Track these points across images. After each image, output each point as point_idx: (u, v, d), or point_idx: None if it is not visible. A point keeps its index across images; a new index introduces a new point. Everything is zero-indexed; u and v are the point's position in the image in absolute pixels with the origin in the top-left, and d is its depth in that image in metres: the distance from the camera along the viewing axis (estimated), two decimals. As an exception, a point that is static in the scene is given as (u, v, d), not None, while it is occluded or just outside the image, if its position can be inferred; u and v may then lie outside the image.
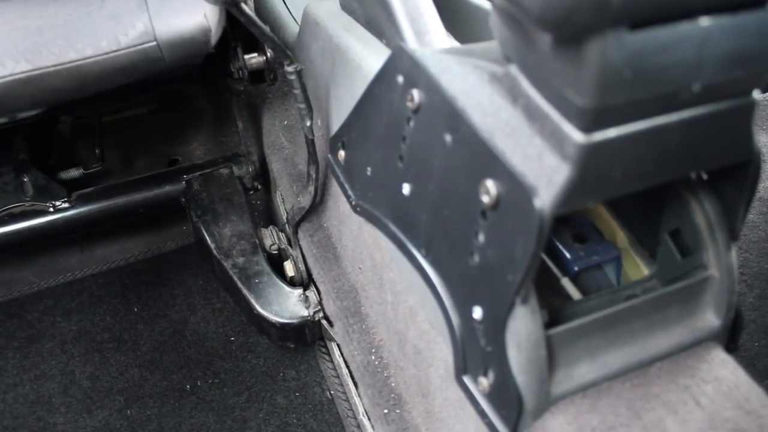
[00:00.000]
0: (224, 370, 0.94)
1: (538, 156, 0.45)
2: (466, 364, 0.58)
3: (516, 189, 0.46)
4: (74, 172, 1.06)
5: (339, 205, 0.90)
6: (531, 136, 0.46)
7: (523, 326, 0.50)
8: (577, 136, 0.41)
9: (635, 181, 0.46)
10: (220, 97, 1.18)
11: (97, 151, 1.09)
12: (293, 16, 1.03)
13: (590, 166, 0.42)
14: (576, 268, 0.69)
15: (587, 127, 0.41)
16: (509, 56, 0.48)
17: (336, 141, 0.80)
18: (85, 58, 0.72)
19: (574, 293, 0.67)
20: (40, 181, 1.01)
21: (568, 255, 0.69)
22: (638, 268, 0.68)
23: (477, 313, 0.54)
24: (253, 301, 0.89)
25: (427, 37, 0.68)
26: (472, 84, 0.52)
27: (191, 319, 1.01)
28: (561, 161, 0.43)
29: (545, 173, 0.44)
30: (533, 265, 0.46)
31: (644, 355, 0.56)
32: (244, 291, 0.90)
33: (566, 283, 0.68)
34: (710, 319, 0.58)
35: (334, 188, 0.91)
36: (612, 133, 0.42)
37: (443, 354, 0.65)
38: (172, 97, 1.22)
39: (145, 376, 0.93)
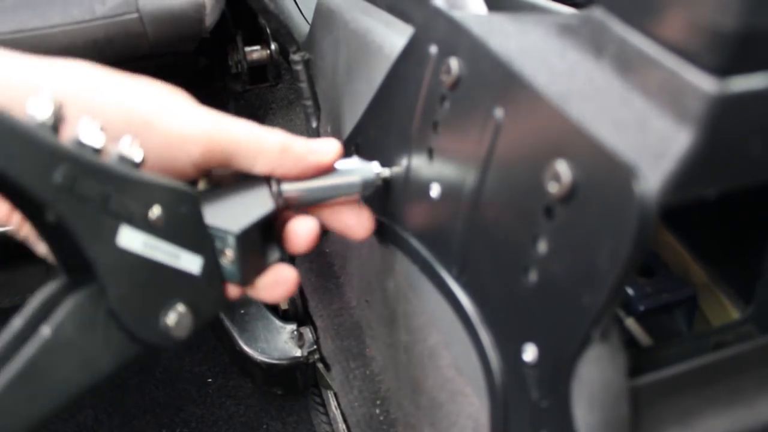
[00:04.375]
0: (196, 418, 0.79)
1: (638, 121, 0.31)
2: (507, 424, 0.43)
3: (603, 169, 0.32)
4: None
5: (345, 226, 0.76)
6: (626, 95, 0.32)
7: (599, 372, 0.36)
8: (708, 84, 0.28)
9: (776, 164, 0.32)
10: (218, 108, 1.06)
11: None
12: (305, 17, 0.93)
13: (723, 131, 0.29)
14: (641, 308, 0.55)
15: (724, 68, 0.28)
16: (593, -6, 0.35)
17: (348, 145, 0.67)
18: (51, 27, 0.60)
19: (643, 338, 0.52)
20: None
21: (631, 291, 0.55)
22: (724, 310, 0.53)
23: (529, 353, 0.39)
24: (236, 336, 0.75)
25: (466, 11, 0.56)
26: (535, 40, 0.39)
27: (162, 355, 0.86)
28: (677, 124, 0.29)
29: (650, 144, 0.30)
30: (624, 281, 0.32)
31: (753, 422, 0.41)
32: (226, 323, 0.75)
33: (631, 324, 0.53)
34: (841, 378, 0.43)
35: (341, 206, 0.78)
36: (759, 81, 0.28)
37: (473, 410, 0.50)
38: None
39: (101, 420, 0.77)
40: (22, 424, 0.29)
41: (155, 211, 0.34)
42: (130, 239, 0.33)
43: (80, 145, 0.31)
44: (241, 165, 0.42)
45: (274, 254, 0.43)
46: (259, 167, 0.42)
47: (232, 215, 0.40)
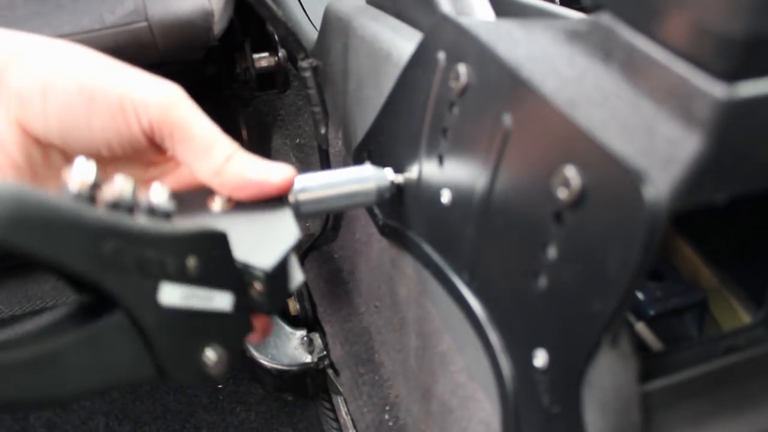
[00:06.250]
0: (207, 424, 0.79)
1: (646, 126, 0.31)
2: (518, 430, 0.43)
3: (612, 175, 0.32)
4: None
5: (354, 232, 0.76)
6: (635, 101, 0.32)
7: (610, 378, 0.36)
8: (716, 89, 0.28)
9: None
10: (227, 115, 1.07)
11: None
12: (313, 24, 0.93)
13: (731, 136, 0.29)
14: (652, 312, 0.54)
15: (733, 73, 0.28)
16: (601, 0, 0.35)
17: (360, 152, 0.67)
18: (61, 36, 0.61)
19: (653, 342, 0.52)
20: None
21: (641, 295, 0.55)
22: (734, 314, 0.53)
23: (540, 358, 0.39)
24: (246, 342, 0.75)
25: (473, 17, 0.56)
26: (543, 47, 0.39)
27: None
28: (686, 130, 0.29)
29: (659, 149, 0.30)
30: (633, 287, 0.32)
31: (765, 427, 0.41)
32: (237, 329, 0.75)
33: (642, 328, 0.53)
34: None
35: (348, 211, 0.78)
36: (767, 86, 0.28)
37: (484, 415, 0.50)
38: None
39: (112, 427, 0.78)
40: (23, 401, 0.29)
41: (191, 262, 0.34)
42: (170, 295, 0.33)
43: (115, 207, 0.31)
44: (183, 157, 0.40)
45: (296, 278, 0.42)
46: (201, 168, 0.40)
47: (261, 248, 0.39)
